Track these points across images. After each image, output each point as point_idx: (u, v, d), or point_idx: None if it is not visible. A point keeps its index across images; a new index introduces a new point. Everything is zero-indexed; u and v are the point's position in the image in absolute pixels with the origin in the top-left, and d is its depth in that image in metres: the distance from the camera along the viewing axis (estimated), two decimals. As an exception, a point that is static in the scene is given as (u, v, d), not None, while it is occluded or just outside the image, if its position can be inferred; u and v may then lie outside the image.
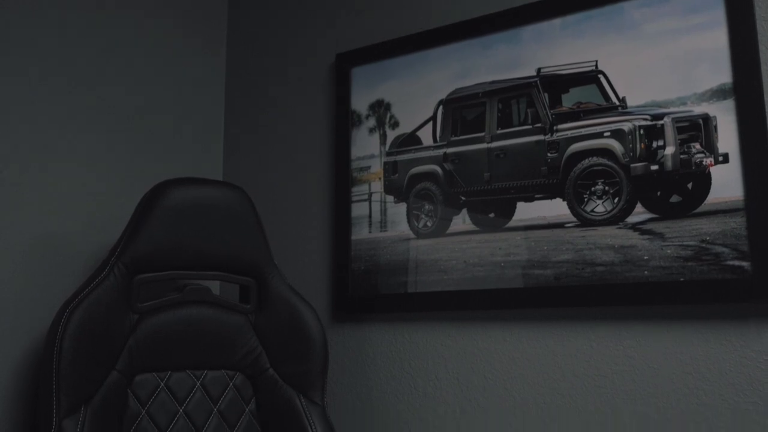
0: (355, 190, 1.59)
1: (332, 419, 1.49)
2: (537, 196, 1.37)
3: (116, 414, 1.21)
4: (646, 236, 1.25)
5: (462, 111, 1.48)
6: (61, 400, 1.14)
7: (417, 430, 1.44)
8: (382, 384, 1.50)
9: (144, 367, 1.27)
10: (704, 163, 1.22)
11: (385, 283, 1.51)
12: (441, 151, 1.49)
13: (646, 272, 1.24)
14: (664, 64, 1.27)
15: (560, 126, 1.36)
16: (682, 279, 1.21)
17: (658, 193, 1.25)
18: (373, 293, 1.53)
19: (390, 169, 1.56)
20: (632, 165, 1.28)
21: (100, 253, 1.48)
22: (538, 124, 1.38)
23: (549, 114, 1.37)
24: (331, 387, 1.55)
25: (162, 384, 1.29)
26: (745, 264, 1.16)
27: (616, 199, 1.29)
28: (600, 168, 1.31)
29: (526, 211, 1.38)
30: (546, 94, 1.38)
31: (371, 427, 1.50)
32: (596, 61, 1.34)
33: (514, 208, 1.39)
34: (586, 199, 1.32)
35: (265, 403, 1.35)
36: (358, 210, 1.58)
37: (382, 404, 1.50)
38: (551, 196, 1.35)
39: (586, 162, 1.32)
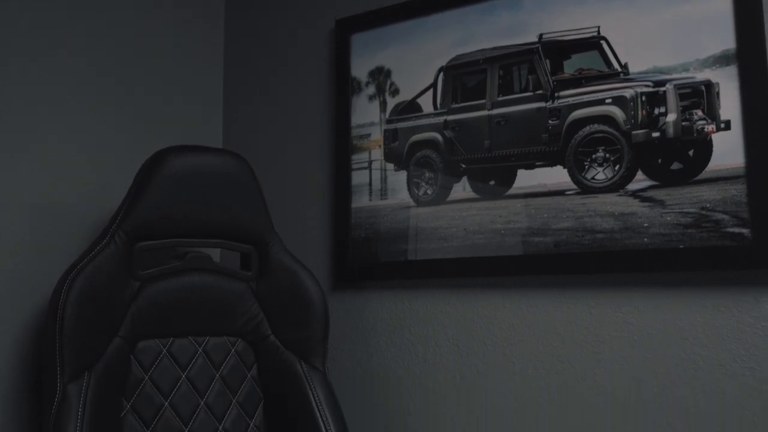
0: (355, 158, 1.59)
1: (333, 384, 1.51)
2: (538, 163, 1.36)
3: (120, 379, 1.23)
4: (647, 203, 1.25)
5: (462, 78, 1.47)
6: (65, 366, 1.15)
7: (417, 396, 1.46)
8: (382, 350, 1.52)
9: (146, 334, 1.28)
10: (706, 130, 1.21)
11: (385, 250, 1.52)
12: (441, 119, 1.49)
13: (645, 239, 1.24)
14: (667, 29, 1.26)
15: (561, 93, 1.35)
16: (681, 246, 1.21)
17: (659, 161, 1.25)
18: (373, 261, 1.53)
19: (390, 136, 1.55)
20: (633, 132, 1.27)
21: (100, 221, 1.48)
22: (539, 91, 1.37)
23: (550, 81, 1.36)
24: (331, 353, 1.57)
25: (164, 350, 1.30)
26: (744, 231, 1.16)
27: (616, 167, 1.28)
28: (601, 135, 1.30)
29: (527, 179, 1.37)
30: (547, 61, 1.37)
31: (372, 392, 1.52)
32: (598, 27, 1.33)
33: (515, 175, 1.39)
34: (586, 167, 1.31)
35: (266, 368, 1.37)
36: (358, 178, 1.58)
37: (383, 370, 1.51)
38: (552, 164, 1.35)
39: (587, 129, 1.32)
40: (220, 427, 1.31)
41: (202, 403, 1.30)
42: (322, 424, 1.29)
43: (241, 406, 1.34)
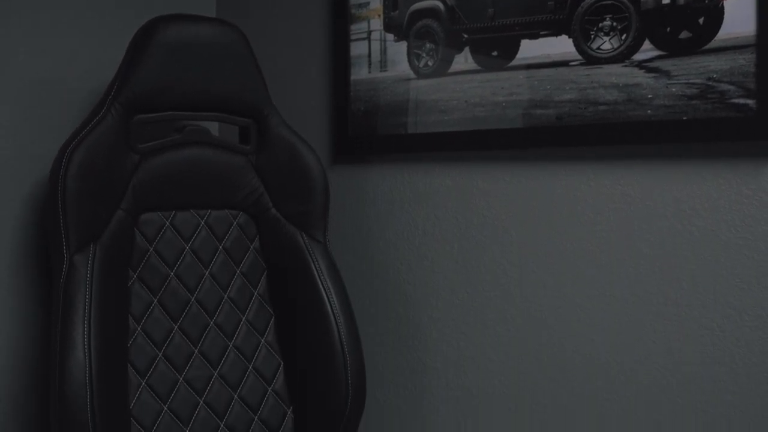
0: (354, 28, 1.54)
1: (333, 256, 1.54)
2: (542, 32, 1.32)
3: (125, 251, 1.25)
4: (652, 74, 1.23)
5: (466, -59, 1.40)
6: (70, 237, 1.17)
7: (416, 266, 1.50)
8: (382, 223, 1.54)
9: (148, 207, 1.29)
10: (718, -4, 1.17)
11: (384, 124, 1.50)
12: (443, -14, 1.43)
13: (649, 111, 1.23)
14: None
15: (570, -43, 1.29)
16: (684, 118, 1.20)
17: (668, 29, 1.21)
18: (373, 134, 1.52)
19: (390, 5, 1.49)
20: (643, -1, 1.23)
21: (94, 94, 1.46)
22: (547, -45, 1.31)
23: (558, -57, 1.30)
24: (331, 226, 1.59)
25: (167, 223, 1.31)
26: (750, 102, 1.15)
27: (623, 36, 1.25)
28: (609, 2, 1.26)
29: (530, 49, 1.34)
30: None
31: (371, 263, 1.56)
32: None
33: (518, 46, 1.35)
34: (592, 36, 1.28)
35: (268, 241, 1.39)
36: (357, 49, 1.54)
37: (382, 242, 1.54)
38: (557, 33, 1.31)
39: (594, -4, 1.27)
40: (225, 296, 1.35)
41: (206, 273, 1.34)
42: (324, 293, 1.33)
43: (244, 276, 1.37)
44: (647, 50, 1.23)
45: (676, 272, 1.23)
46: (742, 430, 1.18)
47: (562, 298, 1.34)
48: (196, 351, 1.30)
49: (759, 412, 1.17)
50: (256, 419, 1.32)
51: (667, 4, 1.21)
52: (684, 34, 1.20)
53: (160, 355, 1.26)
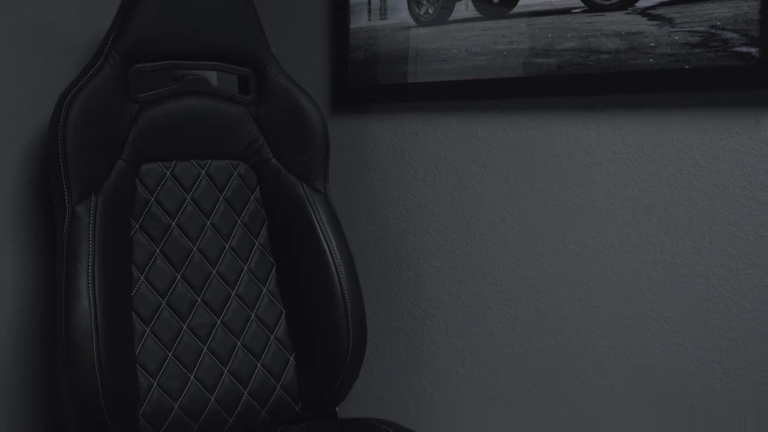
0: (353, -26, 1.52)
1: (334, 206, 1.55)
2: (544, -21, 1.31)
3: (126, 201, 1.25)
4: (655, 22, 1.22)
5: None
6: (72, 187, 1.17)
7: (416, 216, 1.51)
8: (381, 173, 1.54)
9: (149, 157, 1.29)
10: (724, -59, 1.15)
11: (384, 73, 1.49)
12: (444, -70, 1.40)
13: (651, 60, 1.22)
14: None
15: None
16: (686, 66, 1.19)
17: (672, -25, 1.20)
18: (372, 84, 1.51)
19: (390, -50, 1.47)
20: (647, -56, 1.20)
21: (91, 42, 1.44)
22: None
23: None
24: (332, 176, 1.59)
25: (168, 173, 1.32)
26: (753, 50, 1.14)
27: (627, -18, 1.23)
28: (613, -52, 1.24)
29: (532, -4, 1.32)
30: None
31: (371, 213, 1.56)
32: None
33: (520, -8, 1.33)
34: (595, -17, 1.26)
35: (269, 191, 1.39)
36: (357, -4, 1.52)
37: (383, 192, 1.55)
38: (559, -20, 1.29)
39: (598, -59, 1.25)
40: (227, 246, 1.36)
41: (208, 223, 1.34)
42: (324, 242, 1.34)
43: (245, 226, 1.38)
44: (651, -3, 1.22)
45: (673, 221, 1.24)
46: (736, 375, 1.21)
47: (560, 246, 1.35)
48: (199, 300, 1.31)
49: (751, 358, 1.19)
50: (259, 366, 1.34)
51: (671, -50, 1.19)
52: (688, -19, 1.19)
53: (163, 304, 1.28)
